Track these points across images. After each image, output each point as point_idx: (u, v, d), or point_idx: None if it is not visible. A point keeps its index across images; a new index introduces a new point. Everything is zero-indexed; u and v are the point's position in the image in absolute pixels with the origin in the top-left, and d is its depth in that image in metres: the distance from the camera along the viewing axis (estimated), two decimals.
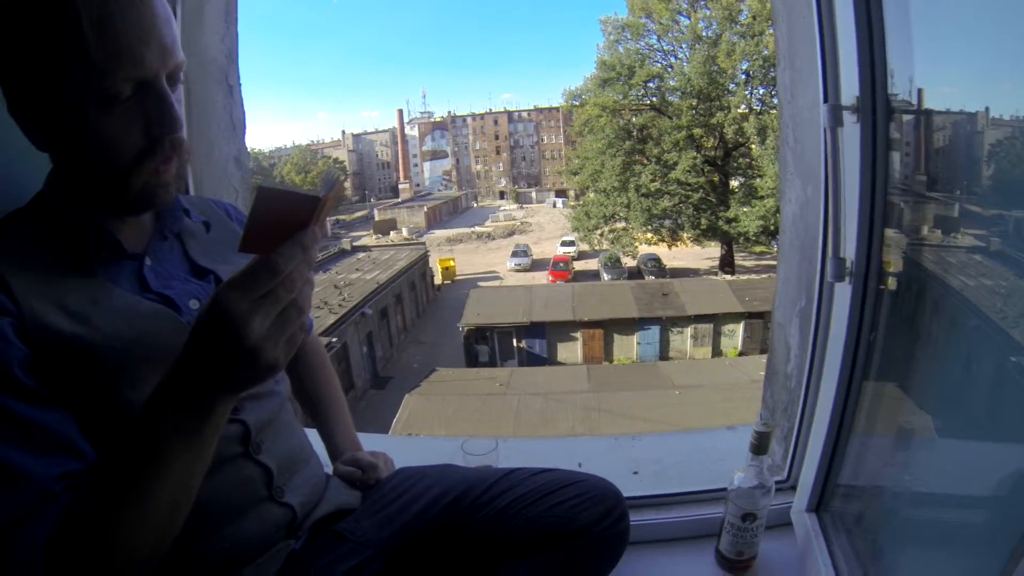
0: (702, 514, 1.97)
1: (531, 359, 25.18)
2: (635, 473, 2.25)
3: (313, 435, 1.68)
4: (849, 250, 1.51)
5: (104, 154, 1.00)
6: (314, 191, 0.85)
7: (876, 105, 1.41)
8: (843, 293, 1.58)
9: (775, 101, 28.94)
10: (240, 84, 2.10)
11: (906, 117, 1.46)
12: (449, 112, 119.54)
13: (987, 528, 1.23)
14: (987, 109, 1.19)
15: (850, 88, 1.44)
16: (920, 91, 1.40)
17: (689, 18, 33.25)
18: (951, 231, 1.46)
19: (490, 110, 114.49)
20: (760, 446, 1.65)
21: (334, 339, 19.84)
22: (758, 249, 35.80)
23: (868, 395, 1.62)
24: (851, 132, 1.45)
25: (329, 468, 1.65)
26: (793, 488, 1.95)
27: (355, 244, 42.89)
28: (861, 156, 1.43)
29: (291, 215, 0.84)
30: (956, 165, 1.41)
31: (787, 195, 1.95)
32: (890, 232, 1.51)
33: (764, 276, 29.65)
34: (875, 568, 1.58)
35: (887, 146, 1.43)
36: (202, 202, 1.43)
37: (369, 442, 1.79)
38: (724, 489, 1.76)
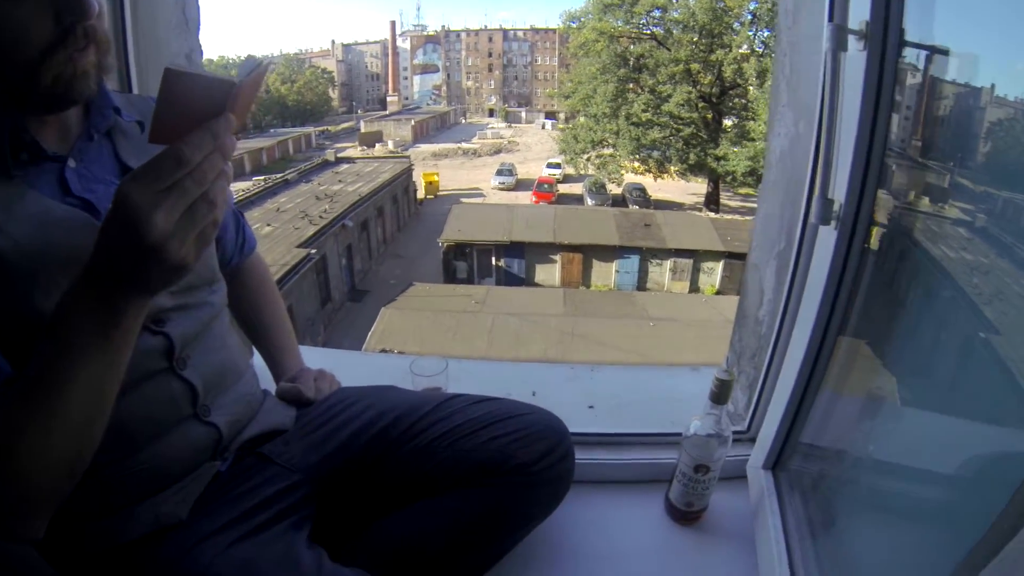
0: (655, 458, 1.89)
1: (509, 279, 25.37)
2: (590, 407, 2.18)
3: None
4: (839, 192, 1.39)
5: (11, 45, 0.90)
6: (229, 77, 0.81)
7: (888, 33, 1.27)
8: (827, 238, 1.45)
9: (774, 57, 28.78)
10: None
11: (920, 53, 1.33)
12: (443, 26, 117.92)
13: (949, 508, 1.17)
14: None
15: (860, 13, 1.30)
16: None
17: None
18: (951, 190, 1.35)
19: (485, 27, 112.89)
20: (720, 395, 1.55)
21: (313, 250, 19.76)
22: (744, 191, 36.12)
23: (841, 352, 1.53)
24: (855, 61, 1.31)
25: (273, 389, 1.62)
26: (752, 440, 1.87)
27: (339, 155, 42.75)
28: (864, 89, 1.29)
29: (203, 102, 0.80)
30: (969, 114, 1.28)
31: (776, 129, 1.83)
32: (885, 179, 1.39)
33: (748, 218, 29.22)
34: (825, 535, 1.52)
35: (893, 81, 1.29)
36: (141, 100, 1.31)
37: (320, 357, 1.76)
38: (679, 435, 1.67)
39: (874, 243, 1.46)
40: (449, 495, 1.39)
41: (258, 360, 1.78)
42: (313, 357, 1.81)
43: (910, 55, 1.31)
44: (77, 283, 0.83)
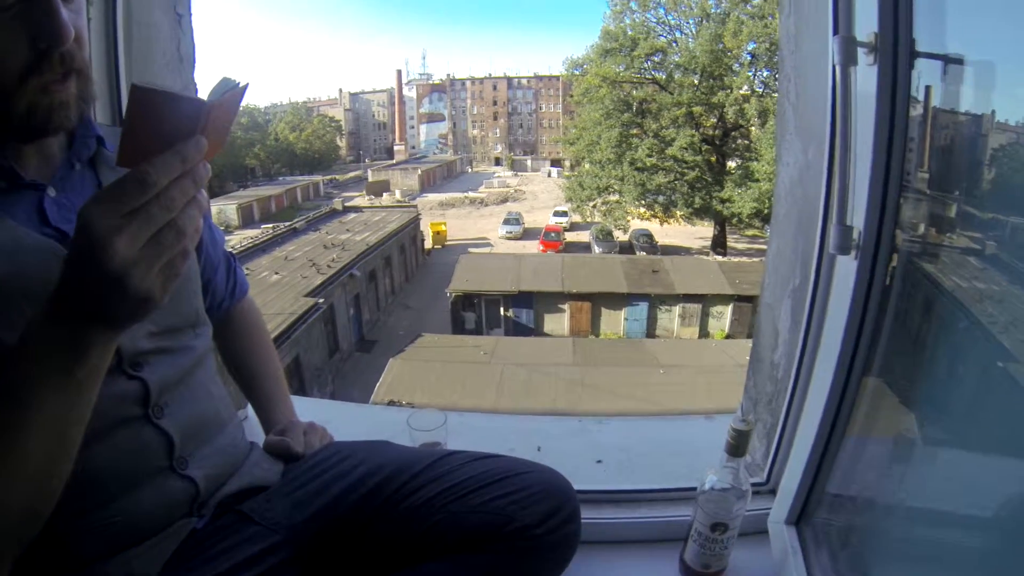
0: (669, 516, 1.76)
1: (517, 328, 25.39)
2: (598, 462, 2.06)
3: None
4: (857, 219, 1.29)
5: None
6: (200, 98, 0.79)
7: (898, 44, 1.19)
8: (847, 270, 1.35)
9: (778, 84, 29.33)
10: (191, 14, 2.00)
11: (932, 63, 1.23)
12: (448, 75, 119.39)
13: (992, 554, 1.08)
14: None
15: (867, 25, 1.22)
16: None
17: None
18: (975, 205, 1.25)
19: (490, 75, 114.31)
20: (737, 446, 1.43)
21: (321, 300, 19.94)
22: (751, 232, 36.45)
23: (867, 392, 1.41)
24: (866, 76, 1.23)
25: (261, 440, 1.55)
26: (772, 492, 1.74)
27: (347, 204, 43.41)
28: (877, 104, 1.21)
29: (172, 122, 0.76)
30: (984, 127, 1.19)
31: (784, 158, 1.75)
32: (906, 201, 1.29)
33: (756, 259, 29.70)
34: None
35: (907, 94, 1.21)
36: None
37: (314, 409, 1.65)
38: (694, 489, 1.55)
39: (897, 272, 1.35)
40: (444, 561, 1.29)
41: (252, 411, 1.72)
42: (306, 408, 1.76)
43: (922, 66, 1.23)
44: (39, 314, 0.78)
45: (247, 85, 0.85)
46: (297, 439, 1.53)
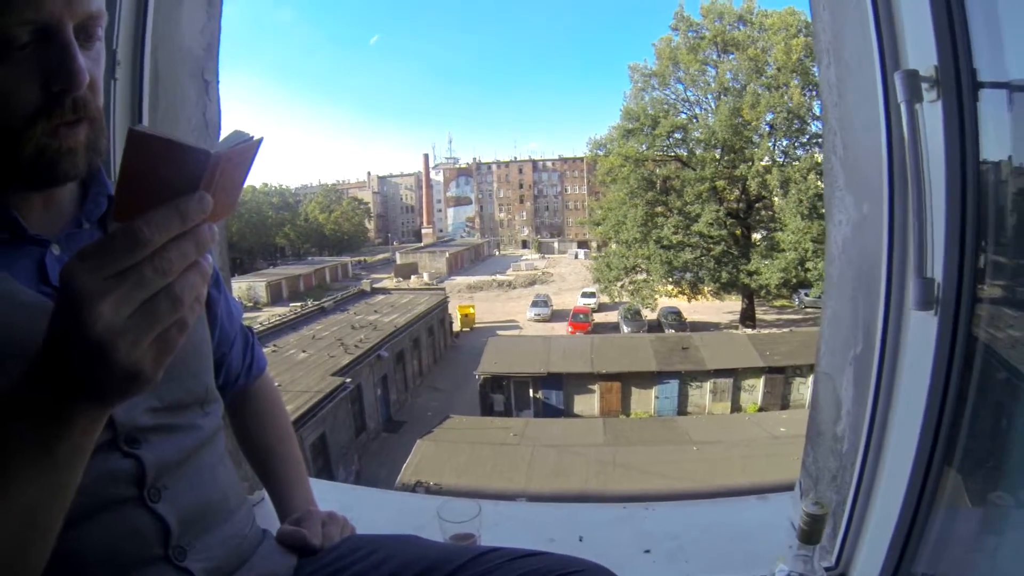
0: None
1: (547, 410, 25.24)
2: (647, 552, 1.90)
3: None
4: (936, 271, 1.16)
5: None
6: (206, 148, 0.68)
7: (960, 77, 1.11)
8: (924, 328, 1.22)
9: (799, 153, 29.95)
10: (218, 81, 2.02)
11: (997, 93, 1.15)
12: (474, 159, 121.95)
13: None
14: None
15: (924, 58, 1.15)
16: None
17: (716, 68, 34.30)
18: None
19: (515, 158, 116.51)
20: (811, 533, 1.26)
21: (348, 379, 20.14)
22: (779, 303, 36.72)
23: (956, 462, 1.25)
24: (931, 113, 1.14)
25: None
26: None
27: (375, 286, 44.34)
28: (946, 143, 1.12)
29: (172, 173, 0.67)
30: None
31: (835, 217, 1.66)
32: (986, 245, 1.18)
33: (786, 330, 29.73)
34: None
35: (976, 130, 1.12)
36: None
37: (334, 493, 1.52)
38: None
39: (981, 327, 1.22)
40: None
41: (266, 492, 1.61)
42: (325, 492, 1.67)
43: (987, 97, 1.13)
44: (18, 381, 0.69)
45: (261, 139, 0.75)
46: (315, 530, 1.40)
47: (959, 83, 1.11)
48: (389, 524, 1.46)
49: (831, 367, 1.70)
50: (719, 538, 1.93)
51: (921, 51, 1.16)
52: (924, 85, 1.14)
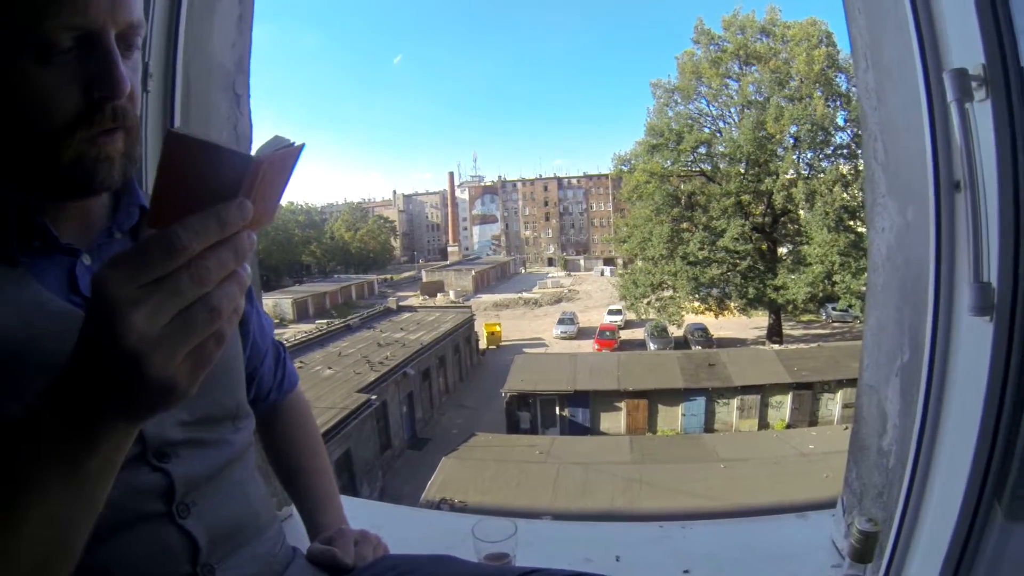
0: None
1: (573, 427, 25.19)
2: (686, 572, 1.85)
3: None
4: (991, 275, 1.12)
5: (33, 114, 0.83)
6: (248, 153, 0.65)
7: (1008, 74, 1.08)
8: (980, 335, 1.16)
9: (824, 165, 30.00)
10: (249, 95, 2.02)
11: None
12: (499, 176, 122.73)
13: None
14: None
15: (970, 57, 1.12)
16: None
17: (738, 82, 34.29)
18: None
19: (540, 176, 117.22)
20: (864, 551, 1.21)
21: (373, 396, 20.29)
22: (806, 317, 36.73)
23: (1013, 479, 1.19)
24: (980, 113, 1.11)
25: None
26: None
27: (401, 304, 44.43)
28: (997, 141, 1.08)
29: (211, 178, 0.64)
30: None
31: (877, 224, 1.62)
32: None
33: (813, 345, 29.36)
34: None
35: None
36: None
37: (365, 511, 1.51)
38: None
39: None
40: None
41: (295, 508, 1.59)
42: (355, 509, 1.64)
43: None
44: (46, 393, 0.65)
45: (303, 145, 0.72)
46: (347, 549, 1.38)
47: (1007, 80, 1.08)
48: (420, 543, 1.43)
49: (876, 379, 1.65)
50: (759, 558, 1.89)
51: (966, 49, 1.13)
52: (973, 84, 1.10)
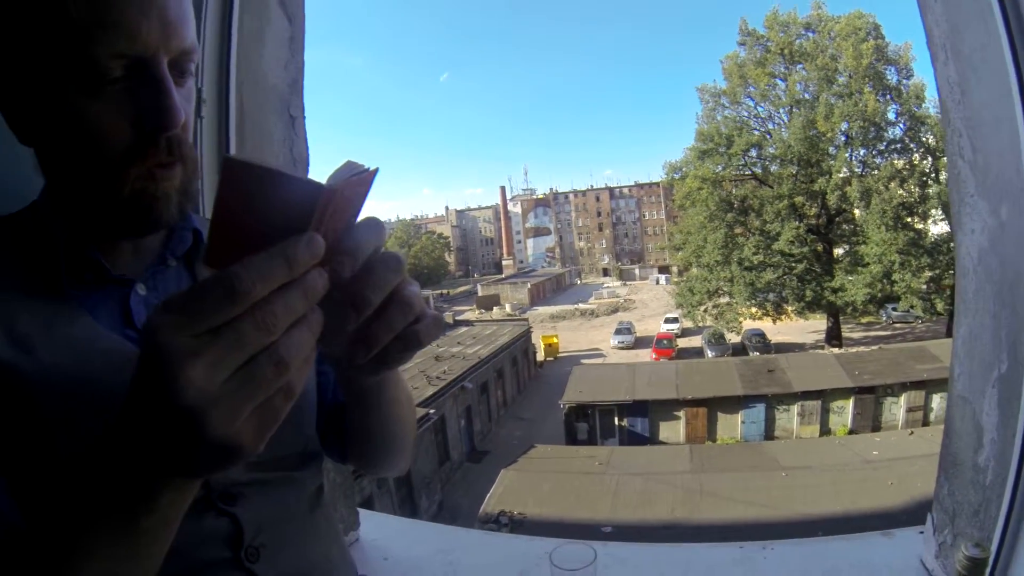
0: None
1: (632, 438, 25.07)
2: None
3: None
4: None
5: (86, 147, 0.79)
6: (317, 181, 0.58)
7: None
8: None
9: (877, 161, 29.44)
10: (304, 116, 1.98)
11: None
12: (551, 189, 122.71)
13: None
14: None
15: None
16: None
17: (785, 81, 33.93)
18: None
19: (591, 186, 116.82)
20: None
21: (432, 410, 20.40)
22: (865, 319, 36.12)
23: None
24: None
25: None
26: None
27: (458, 318, 44.97)
28: None
29: (278, 211, 0.57)
30: None
31: (966, 226, 1.52)
32: None
33: (874, 348, 28.55)
34: None
35: None
36: None
37: (431, 534, 1.51)
38: None
39: None
40: None
41: (364, 532, 1.59)
42: (422, 534, 1.57)
43: None
44: (98, 443, 0.59)
45: (377, 170, 0.65)
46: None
47: None
48: (493, 568, 1.36)
49: (969, 390, 1.56)
50: None
51: None
52: None
